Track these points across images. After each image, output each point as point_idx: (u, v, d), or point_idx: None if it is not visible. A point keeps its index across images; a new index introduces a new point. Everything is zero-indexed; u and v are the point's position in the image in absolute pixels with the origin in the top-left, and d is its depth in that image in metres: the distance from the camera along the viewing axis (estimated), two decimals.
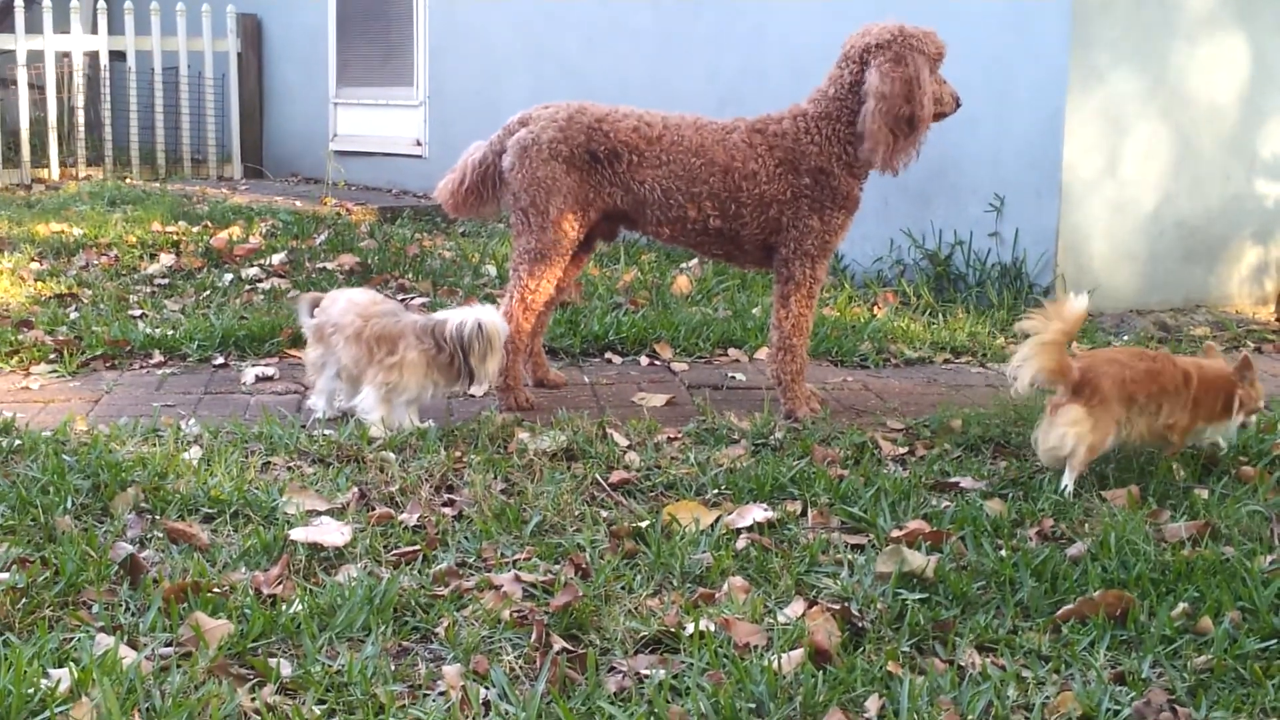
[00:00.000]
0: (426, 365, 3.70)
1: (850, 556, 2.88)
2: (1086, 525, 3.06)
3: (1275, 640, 2.49)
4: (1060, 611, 2.60)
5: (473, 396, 4.23)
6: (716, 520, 3.04)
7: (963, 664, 2.41)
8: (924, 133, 3.89)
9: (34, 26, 9.88)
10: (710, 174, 3.96)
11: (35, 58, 9.93)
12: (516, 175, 4.03)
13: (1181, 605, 2.61)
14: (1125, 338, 5.33)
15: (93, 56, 10.20)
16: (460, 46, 8.93)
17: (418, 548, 2.87)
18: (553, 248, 4.03)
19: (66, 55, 10.02)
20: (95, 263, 6.15)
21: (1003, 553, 2.86)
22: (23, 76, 9.81)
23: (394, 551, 2.86)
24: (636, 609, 2.60)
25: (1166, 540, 2.96)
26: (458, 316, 3.73)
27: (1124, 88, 5.59)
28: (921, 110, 3.83)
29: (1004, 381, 4.56)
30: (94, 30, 10.23)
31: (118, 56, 10.22)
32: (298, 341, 4.64)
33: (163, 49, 10.15)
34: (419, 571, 2.76)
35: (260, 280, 5.85)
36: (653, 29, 7.46)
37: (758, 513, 3.07)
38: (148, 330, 4.82)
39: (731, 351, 4.88)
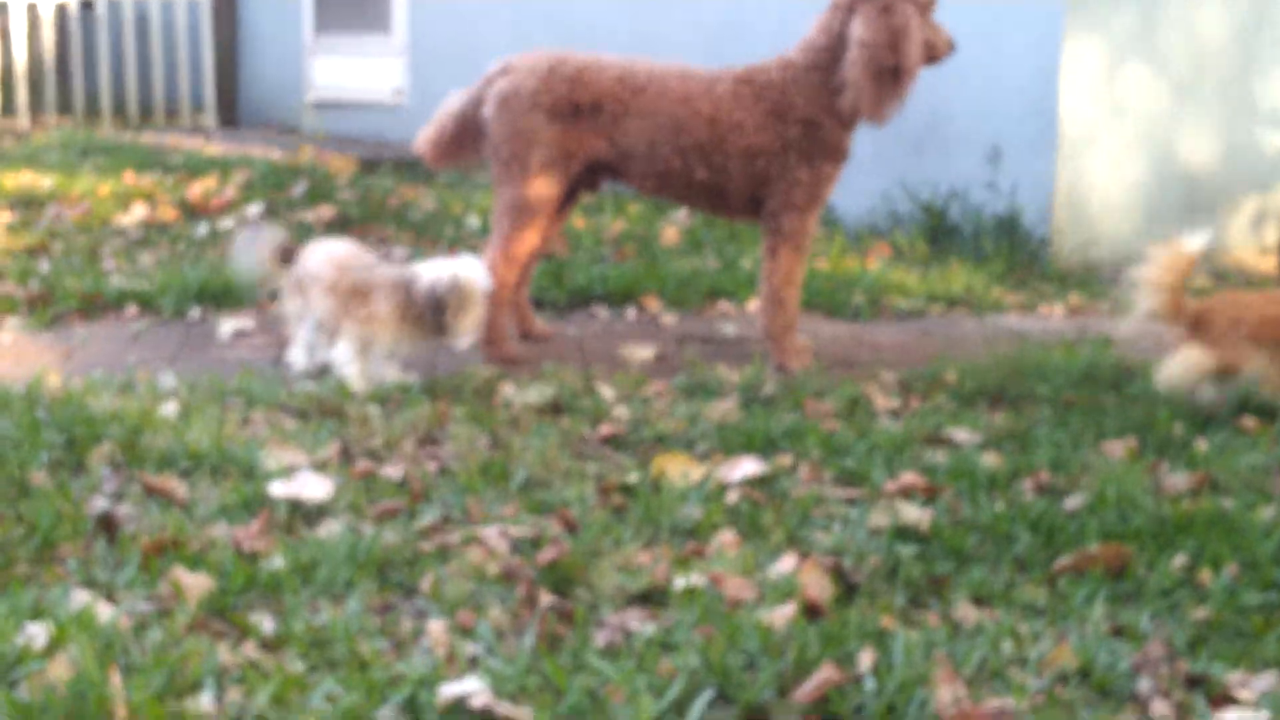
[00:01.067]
0: (399, 319, 3.60)
1: (843, 511, 2.82)
2: (1084, 478, 3.01)
3: (1275, 592, 2.45)
4: (1057, 565, 2.55)
5: (456, 349, 4.16)
6: (707, 474, 2.98)
7: (958, 618, 2.36)
8: (910, 83, 3.81)
9: None
10: (696, 125, 3.87)
11: (2, 8, 9.75)
12: (497, 126, 3.94)
13: (1180, 558, 2.57)
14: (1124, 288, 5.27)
15: (61, 6, 10.02)
16: None
17: (401, 503, 2.80)
18: (535, 199, 3.95)
19: (34, 4, 9.84)
20: (66, 214, 6.04)
21: (999, 506, 2.80)
22: None
23: (377, 506, 2.79)
24: (625, 564, 2.54)
25: (1165, 492, 2.91)
26: (433, 270, 3.61)
27: (1122, 36, 5.52)
28: (908, 61, 3.75)
29: (1000, 334, 4.52)
30: None
31: (86, 5, 10.05)
32: (275, 295, 4.55)
33: None
34: (403, 526, 2.69)
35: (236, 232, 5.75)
36: None
37: (749, 466, 3.01)
38: (121, 284, 4.72)
39: (721, 304, 4.81)
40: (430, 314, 3.56)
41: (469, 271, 3.59)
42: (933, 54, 3.88)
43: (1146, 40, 5.58)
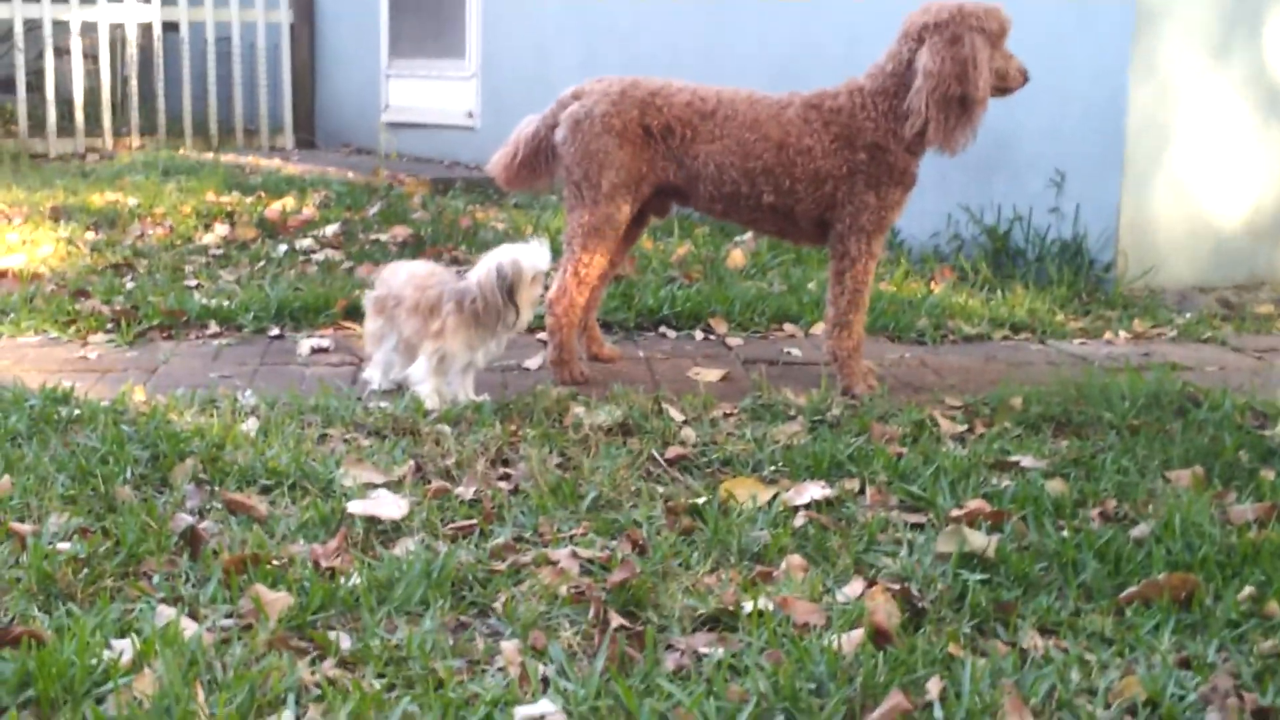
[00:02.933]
0: (466, 323, 3.68)
1: (909, 535, 2.85)
2: (1150, 506, 3.01)
3: None
4: (1124, 594, 2.56)
5: (527, 370, 4.23)
6: (774, 497, 3.02)
7: (1025, 646, 2.38)
8: (980, 113, 3.82)
9: None
10: (764, 149, 3.92)
11: (89, 29, 9.99)
12: (570, 149, 4.01)
13: (1248, 589, 2.56)
14: (1188, 315, 5.25)
15: (146, 28, 10.25)
16: (512, 17, 8.91)
17: (474, 522, 2.86)
18: (606, 222, 4.01)
19: (120, 26, 10.07)
20: (150, 232, 6.19)
21: (1065, 533, 2.82)
22: (77, 46, 9.88)
23: (450, 525, 2.85)
24: (694, 586, 2.58)
25: (1232, 522, 2.91)
26: (488, 259, 3.70)
27: (1189, 60, 5.49)
28: (976, 91, 3.77)
29: (1064, 359, 4.52)
30: (148, 1, 10.27)
31: (171, 27, 10.27)
32: (352, 313, 4.65)
33: (216, 19, 10.19)
34: (476, 546, 2.75)
35: (314, 251, 5.87)
36: (704, 2, 7.40)
37: (815, 490, 3.05)
38: (203, 300, 4.85)
39: (787, 326, 4.85)
40: (490, 300, 3.63)
41: (518, 253, 3.66)
42: (1004, 84, 3.88)
43: (1214, 66, 5.56)
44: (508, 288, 3.64)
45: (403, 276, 3.85)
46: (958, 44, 3.75)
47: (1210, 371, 4.40)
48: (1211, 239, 5.70)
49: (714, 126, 3.95)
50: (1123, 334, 4.96)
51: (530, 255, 3.67)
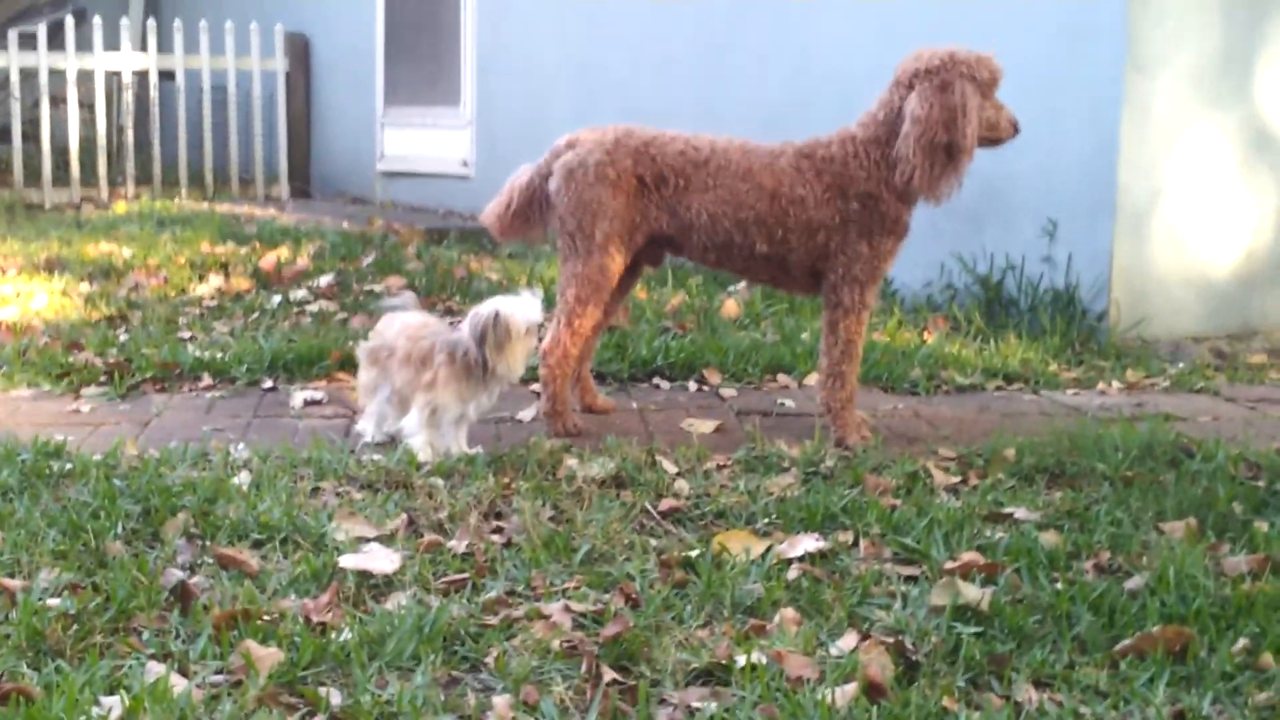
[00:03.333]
0: (457, 375, 3.68)
1: (903, 588, 2.84)
2: (1144, 558, 3.01)
3: None
4: (1118, 646, 2.55)
5: (520, 422, 4.22)
6: (767, 550, 3.01)
7: (1019, 700, 2.37)
8: (966, 162, 3.83)
9: (84, 45, 9.99)
10: (757, 199, 3.93)
11: (85, 77, 10.04)
12: (563, 198, 4.02)
13: (1242, 641, 2.56)
14: (1180, 365, 5.26)
15: (142, 75, 10.31)
16: (506, 67, 8.97)
17: (466, 575, 2.85)
18: (599, 272, 4.02)
19: (116, 74, 10.13)
20: (145, 284, 6.20)
21: (1059, 586, 2.81)
22: (73, 95, 9.92)
23: (443, 579, 2.84)
24: (687, 640, 2.57)
25: (1226, 574, 2.90)
26: (477, 310, 3.70)
27: (1181, 108, 5.53)
28: (963, 139, 3.78)
29: (1058, 409, 4.52)
30: (143, 49, 10.33)
31: (166, 76, 10.32)
32: (345, 365, 4.65)
33: (211, 68, 10.24)
34: (468, 600, 2.75)
35: (308, 302, 5.88)
36: (698, 49, 7.46)
37: (809, 543, 3.04)
38: (197, 353, 4.85)
39: (781, 377, 4.85)
40: (474, 354, 3.62)
41: (510, 306, 3.66)
42: (994, 134, 3.90)
43: (1206, 113, 5.59)
44: (481, 338, 3.63)
45: (396, 327, 3.85)
46: (947, 91, 3.77)
47: (1203, 422, 4.40)
48: (1204, 288, 5.72)
49: (707, 176, 3.97)
50: (1116, 384, 4.96)
51: (521, 307, 3.67)
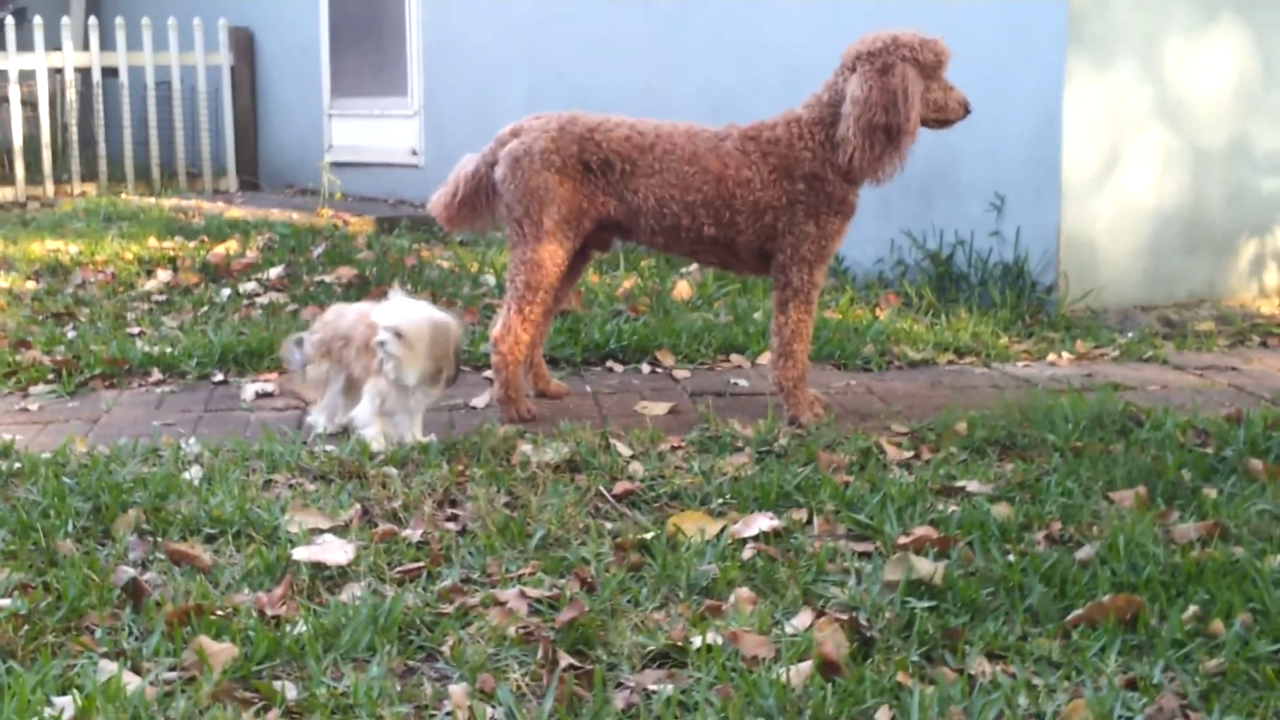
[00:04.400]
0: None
1: (857, 565, 2.86)
2: (1095, 528, 3.03)
3: None
4: (1070, 617, 2.58)
5: (474, 408, 4.21)
6: (722, 530, 3.02)
7: (973, 673, 2.39)
8: (908, 143, 3.84)
9: (25, 44, 9.87)
10: (704, 182, 3.94)
11: (27, 76, 9.92)
12: (509, 186, 4.01)
13: (1192, 608, 2.59)
14: (1129, 334, 5.31)
15: (85, 73, 10.19)
16: (453, 56, 8.92)
17: (421, 564, 2.85)
18: (548, 259, 4.01)
19: (59, 72, 10.01)
20: (92, 280, 6.13)
21: (1011, 558, 2.83)
22: (15, 94, 9.80)
23: (397, 569, 2.83)
24: (643, 623, 2.58)
25: (1176, 542, 2.93)
26: (386, 318, 3.71)
27: (1122, 84, 5.58)
28: (905, 122, 3.80)
29: (1009, 382, 4.55)
30: (85, 47, 10.21)
31: (110, 73, 10.21)
32: (281, 361, 4.61)
33: (155, 64, 10.14)
34: (423, 589, 2.74)
35: (258, 295, 5.83)
36: (646, 37, 7.45)
37: (763, 522, 3.05)
38: (146, 348, 4.80)
39: (734, 357, 4.86)
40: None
41: (398, 319, 3.67)
42: (942, 115, 3.91)
43: (1147, 86, 5.64)
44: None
45: (351, 317, 3.83)
46: (888, 73, 3.79)
47: (1152, 390, 4.45)
48: (1151, 258, 5.77)
49: (653, 160, 3.96)
50: (1066, 355, 5.01)
51: (389, 316, 3.69)
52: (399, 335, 3.63)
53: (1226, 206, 5.92)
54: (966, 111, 3.94)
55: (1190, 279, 5.88)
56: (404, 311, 3.71)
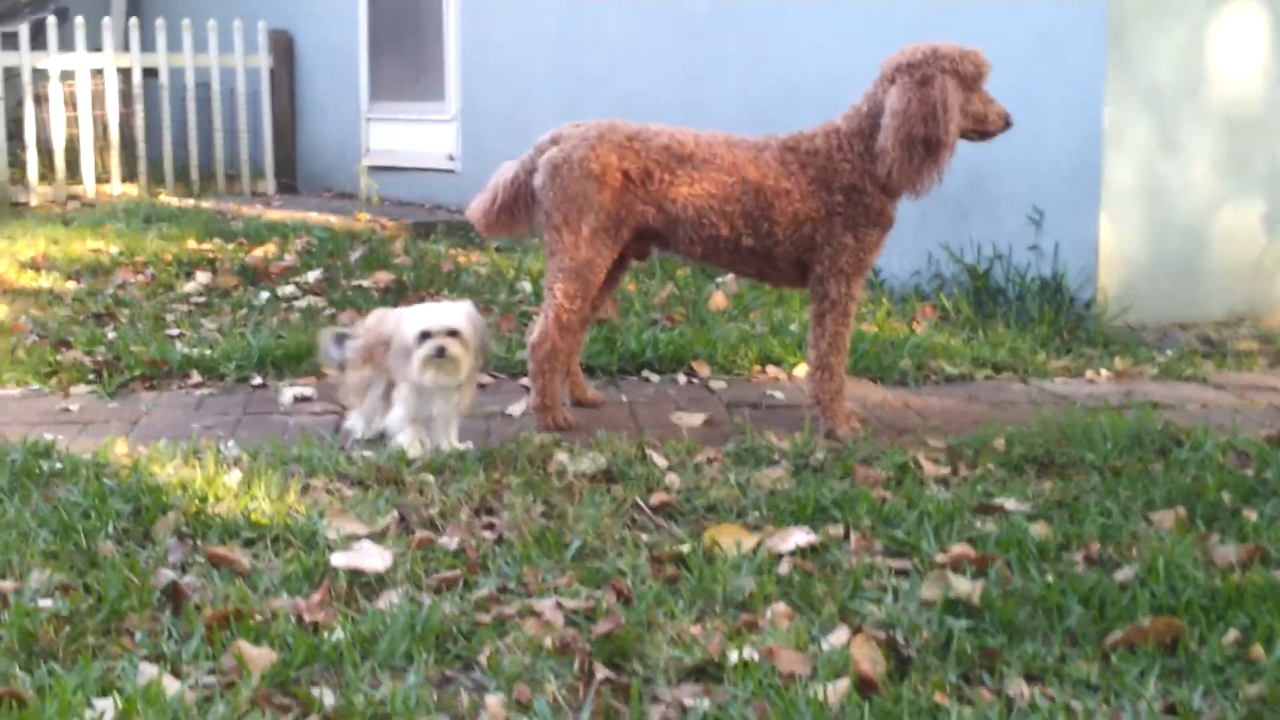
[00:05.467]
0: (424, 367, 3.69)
1: (894, 582, 2.85)
2: (1134, 549, 3.01)
3: None
4: (1109, 639, 2.56)
5: (510, 416, 4.22)
6: (758, 544, 3.01)
7: (1011, 694, 2.37)
8: (946, 156, 3.83)
9: (66, 44, 9.95)
10: (743, 192, 3.94)
11: (68, 75, 10.00)
12: (548, 193, 4.02)
13: (1232, 632, 2.57)
14: (1168, 352, 5.27)
15: (126, 73, 10.27)
16: (491, 62, 8.95)
17: (458, 573, 2.85)
18: (586, 266, 4.02)
19: (100, 73, 10.08)
20: (132, 281, 6.18)
21: (1049, 578, 2.82)
22: (57, 94, 9.88)
23: (434, 577, 2.84)
24: (679, 636, 2.57)
25: (1215, 564, 2.91)
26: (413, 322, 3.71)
27: (1164, 98, 5.54)
28: (943, 134, 3.79)
29: (1046, 398, 4.53)
30: (126, 48, 10.29)
31: (150, 74, 10.28)
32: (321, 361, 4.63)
33: (195, 65, 10.20)
34: (460, 598, 2.74)
35: (296, 298, 5.87)
36: (682, 45, 7.45)
37: (800, 536, 3.04)
38: (185, 350, 4.84)
39: (770, 369, 4.86)
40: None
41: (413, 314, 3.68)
42: (982, 128, 3.90)
43: (1189, 103, 5.60)
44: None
45: (391, 321, 3.84)
46: (927, 85, 3.78)
47: (1191, 410, 4.42)
48: (1190, 275, 5.73)
49: (693, 170, 3.97)
50: (1104, 372, 4.98)
51: (414, 318, 3.69)
52: (455, 334, 3.63)
53: (1268, 224, 5.87)
54: (1007, 124, 3.93)
55: (1230, 297, 5.83)
56: (436, 315, 3.70)
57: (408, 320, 3.71)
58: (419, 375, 3.65)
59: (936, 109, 3.77)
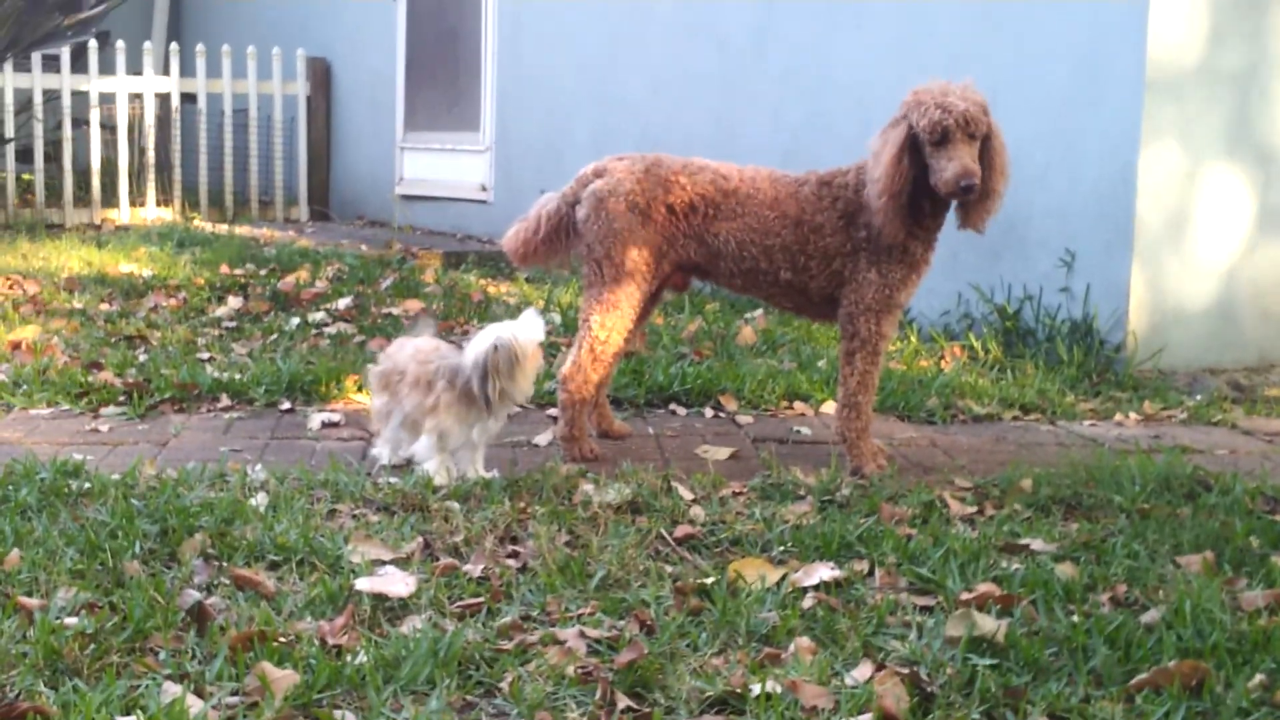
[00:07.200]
0: (459, 400, 3.69)
1: (919, 619, 2.84)
2: (1160, 592, 3.00)
3: None
4: (1134, 681, 2.54)
5: (536, 446, 4.23)
6: (783, 578, 3.01)
7: None
8: (881, 206, 3.78)
9: (106, 68, 10.07)
10: (782, 226, 3.97)
11: (107, 99, 10.11)
12: (592, 226, 4.04)
13: (1259, 676, 2.55)
14: (1198, 397, 5.25)
15: (164, 98, 10.38)
16: (526, 93, 9.01)
17: (482, 600, 2.86)
18: (625, 299, 4.03)
19: (138, 96, 10.20)
20: (164, 304, 6.23)
21: (1075, 618, 2.80)
22: (95, 117, 9.99)
23: (458, 603, 2.85)
24: (702, 668, 2.57)
25: (1243, 609, 2.89)
26: (483, 335, 3.70)
27: (1200, 140, 5.53)
28: (874, 183, 3.80)
29: (1074, 440, 4.51)
30: (166, 72, 10.41)
31: (188, 98, 10.39)
32: (363, 388, 4.66)
33: (233, 91, 10.31)
34: (483, 624, 2.75)
35: (326, 325, 5.90)
36: (717, 75, 7.49)
37: (824, 571, 3.04)
38: (215, 374, 4.87)
39: (797, 404, 4.85)
40: (479, 386, 3.63)
41: (510, 332, 3.66)
42: (939, 187, 3.78)
43: (1224, 145, 5.59)
44: (485, 374, 3.64)
45: (408, 351, 3.86)
46: (881, 133, 3.83)
47: (1221, 455, 4.39)
48: (1222, 320, 5.71)
49: (735, 204, 4.00)
50: (1133, 415, 4.95)
51: (523, 329, 3.68)
52: (518, 358, 3.65)
53: None
54: (953, 192, 3.76)
55: (1261, 342, 5.80)
56: (525, 326, 3.71)
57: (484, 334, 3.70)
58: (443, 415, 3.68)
59: (870, 159, 3.83)
